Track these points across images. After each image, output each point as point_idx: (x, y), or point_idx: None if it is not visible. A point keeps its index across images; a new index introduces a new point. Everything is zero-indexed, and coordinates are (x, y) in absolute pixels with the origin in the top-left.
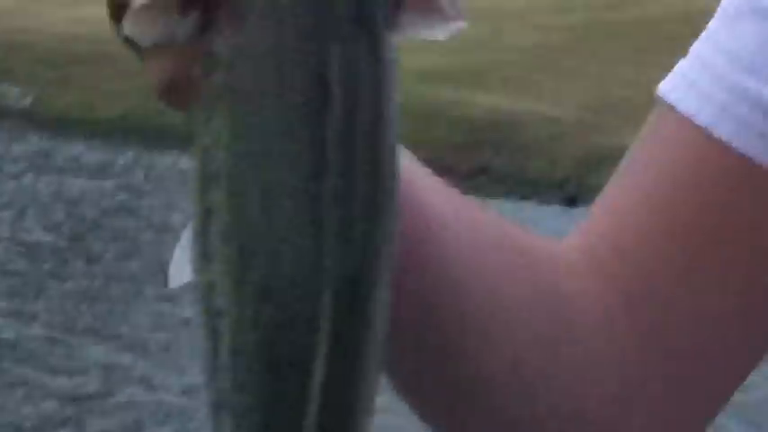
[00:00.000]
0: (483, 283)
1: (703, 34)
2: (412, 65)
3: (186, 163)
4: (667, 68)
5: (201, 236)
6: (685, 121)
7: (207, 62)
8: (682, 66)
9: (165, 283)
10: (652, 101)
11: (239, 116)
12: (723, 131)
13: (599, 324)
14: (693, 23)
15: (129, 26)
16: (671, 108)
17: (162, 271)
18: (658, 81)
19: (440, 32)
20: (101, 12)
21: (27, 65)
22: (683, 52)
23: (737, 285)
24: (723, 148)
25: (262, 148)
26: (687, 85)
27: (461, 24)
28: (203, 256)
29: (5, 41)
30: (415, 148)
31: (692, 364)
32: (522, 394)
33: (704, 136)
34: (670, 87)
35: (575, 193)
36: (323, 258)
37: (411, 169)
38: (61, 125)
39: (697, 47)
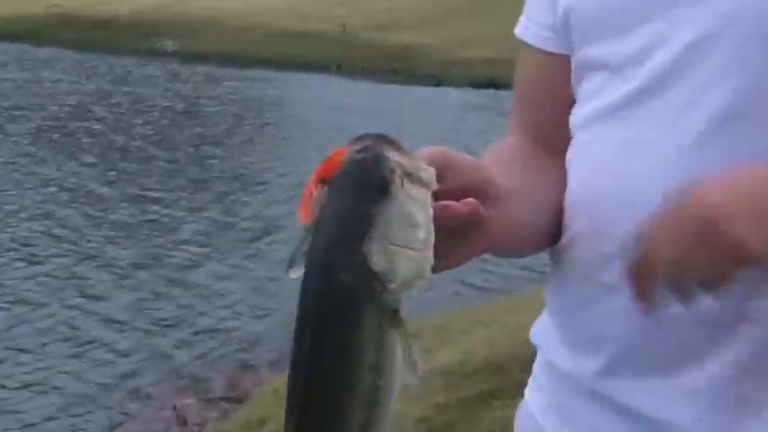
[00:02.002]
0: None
1: None
2: (371, 17)
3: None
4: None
5: None
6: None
7: None
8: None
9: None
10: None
11: None
12: (530, 39)
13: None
14: None
15: None
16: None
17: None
18: None
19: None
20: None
21: (176, 27)
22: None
23: (556, 117)
24: (531, 47)
25: None
26: (520, 24)
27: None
28: None
29: (162, 14)
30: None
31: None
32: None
33: (527, 45)
34: (517, 28)
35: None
36: None
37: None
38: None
39: None
